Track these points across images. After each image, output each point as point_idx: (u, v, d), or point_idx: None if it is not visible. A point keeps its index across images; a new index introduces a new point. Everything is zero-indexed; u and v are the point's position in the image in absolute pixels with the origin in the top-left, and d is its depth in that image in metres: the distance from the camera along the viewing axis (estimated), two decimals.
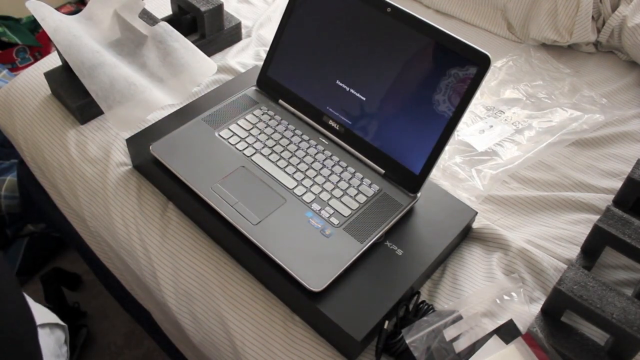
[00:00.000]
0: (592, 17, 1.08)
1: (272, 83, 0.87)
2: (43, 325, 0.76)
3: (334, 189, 0.75)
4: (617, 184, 0.85)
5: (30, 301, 0.71)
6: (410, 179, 0.75)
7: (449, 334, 0.66)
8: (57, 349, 0.79)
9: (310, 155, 0.79)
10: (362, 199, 0.74)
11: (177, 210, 0.80)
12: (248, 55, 1.06)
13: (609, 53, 1.14)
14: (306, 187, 0.75)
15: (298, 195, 0.74)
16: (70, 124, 0.92)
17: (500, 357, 0.64)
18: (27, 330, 0.61)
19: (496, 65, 1.09)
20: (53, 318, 0.79)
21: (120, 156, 0.87)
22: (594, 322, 0.62)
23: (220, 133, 0.81)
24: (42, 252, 1.36)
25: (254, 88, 0.89)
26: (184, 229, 0.78)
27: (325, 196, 0.74)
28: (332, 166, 0.78)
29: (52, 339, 0.77)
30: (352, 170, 0.78)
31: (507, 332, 0.66)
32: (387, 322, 0.66)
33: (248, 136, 0.81)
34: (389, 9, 0.74)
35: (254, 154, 0.79)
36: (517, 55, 1.12)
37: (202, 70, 0.90)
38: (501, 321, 0.67)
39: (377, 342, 0.66)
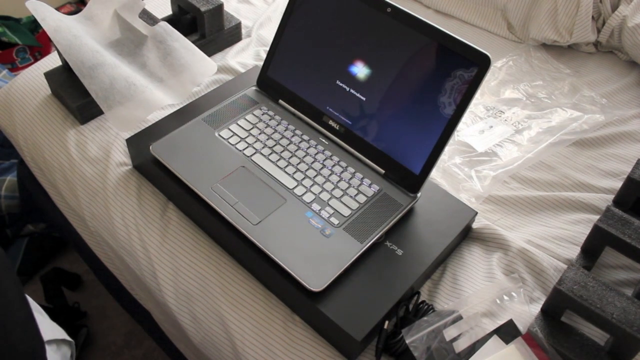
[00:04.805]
0: (592, 17, 1.08)
1: (272, 83, 0.87)
2: (50, 342, 0.75)
3: (334, 189, 0.75)
4: (617, 184, 0.85)
5: (37, 316, 0.71)
6: (410, 179, 0.75)
7: (449, 334, 0.66)
8: None
9: (310, 155, 0.79)
10: (362, 199, 0.74)
11: (177, 210, 0.80)
12: (248, 55, 1.06)
13: (609, 53, 1.14)
14: (306, 187, 0.75)
15: (298, 195, 0.74)
16: (70, 124, 0.92)
17: (500, 357, 0.64)
18: (35, 349, 0.61)
19: (496, 65, 1.09)
20: (60, 334, 0.79)
21: (120, 156, 0.87)
22: (594, 322, 0.62)
23: (220, 133, 0.81)
24: (42, 252, 1.36)
25: (254, 88, 0.89)
26: (184, 229, 0.78)
27: (325, 196, 0.74)
28: (332, 166, 0.78)
29: (59, 355, 0.77)
30: (352, 170, 0.78)
31: (507, 332, 0.66)
32: (387, 322, 0.66)
33: (248, 136, 0.81)
34: (388, 9, 0.74)
35: (254, 154, 0.79)
36: (517, 55, 1.12)
37: (202, 70, 0.90)
38: (501, 321, 0.67)
39: (377, 342, 0.66)
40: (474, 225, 0.79)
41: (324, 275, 0.66)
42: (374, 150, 0.78)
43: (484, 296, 0.70)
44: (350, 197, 0.74)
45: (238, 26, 1.08)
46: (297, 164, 0.78)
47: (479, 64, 0.68)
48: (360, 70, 0.77)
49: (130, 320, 1.27)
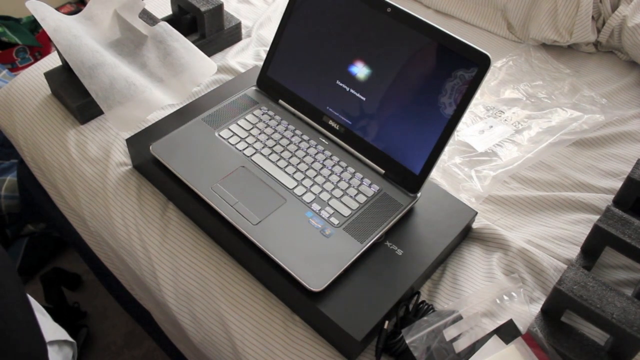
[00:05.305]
0: (592, 17, 1.08)
1: (272, 83, 0.87)
2: (52, 343, 0.75)
3: (334, 189, 0.75)
4: (617, 184, 0.85)
5: (39, 316, 0.71)
6: (410, 179, 0.75)
7: (449, 334, 0.66)
8: None
9: (310, 155, 0.79)
10: (362, 199, 0.74)
11: (177, 210, 0.80)
12: (248, 55, 1.06)
13: (609, 53, 1.14)
14: (306, 187, 0.75)
15: (298, 195, 0.74)
16: (70, 124, 0.92)
17: (500, 357, 0.64)
18: (37, 349, 0.61)
19: (496, 65, 1.09)
20: (62, 334, 0.79)
21: (120, 156, 0.87)
22: (594, 322, 0.62)
23: (220, 133, 0.81)
24: (42, 252, 1.36)
25: (254, 88, 0.89)
26: (184, 229, 0.78)
27: (325, 196, 0.74)
28: (332, 166, 0.78)
29: (61, 356, 0.77)
30: (352, 170, 0.78)
31: (507, 332, 0.66)
32: (387, 322, 0.66)
33: (248, 136, 0.81)
34: (389, 9, 0.74)
35: (254, 154, 0.79)
36: (517, 55, 1.12)
37: (202, 70, 0.90)
38: (501, 321, 0.67)
39: (377, 342, 0.66)
40: (474, 225, 0.79)
41: (324, 275, 0.66)
42: (374, 150, 0.78)
43: (484, 296, 0.70)
44: (350, 197, 0.74)
45: (238, 26, 1.08)
46: (297, 164, 0.78)
47: (479, 64, 0.68)
48: (360, 70, 0.77)
49: (130, 320, 1.27)
